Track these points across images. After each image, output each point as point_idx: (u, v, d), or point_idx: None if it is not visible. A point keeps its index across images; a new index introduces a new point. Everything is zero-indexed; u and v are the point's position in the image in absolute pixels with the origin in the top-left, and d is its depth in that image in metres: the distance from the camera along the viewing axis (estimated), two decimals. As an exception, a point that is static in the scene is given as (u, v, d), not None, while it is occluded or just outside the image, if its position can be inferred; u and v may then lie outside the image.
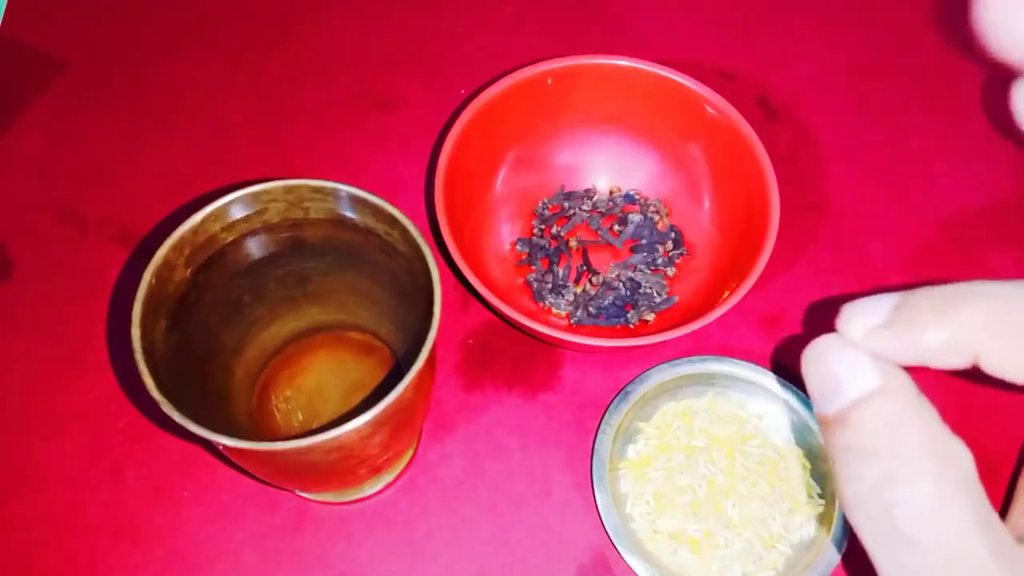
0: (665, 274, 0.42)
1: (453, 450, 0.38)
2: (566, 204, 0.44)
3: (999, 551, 0.17)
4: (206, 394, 0.32)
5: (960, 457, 0.18)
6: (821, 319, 0.42)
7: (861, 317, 0.20)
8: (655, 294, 0.42)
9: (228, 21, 0.51)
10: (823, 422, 0.20)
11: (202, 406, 0.30)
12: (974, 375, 0.19)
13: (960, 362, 0.19)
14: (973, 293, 0.19)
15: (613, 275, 0.42)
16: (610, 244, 0.44)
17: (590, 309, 0.41)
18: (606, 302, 0.41)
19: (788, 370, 0.39)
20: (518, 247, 0.43)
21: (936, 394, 0.20)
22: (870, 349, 0.20)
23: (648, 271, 0.42)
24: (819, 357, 0.20)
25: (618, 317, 0.41)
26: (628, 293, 0.42)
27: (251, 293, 0.34)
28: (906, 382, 0.19)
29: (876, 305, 0.20)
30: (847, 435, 0.19)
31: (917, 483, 0.18)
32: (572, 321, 0.41)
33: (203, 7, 0.51)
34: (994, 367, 0.19)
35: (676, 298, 0.42)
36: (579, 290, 0.42)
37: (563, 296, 0.42)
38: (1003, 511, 0.37)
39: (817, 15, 0.52)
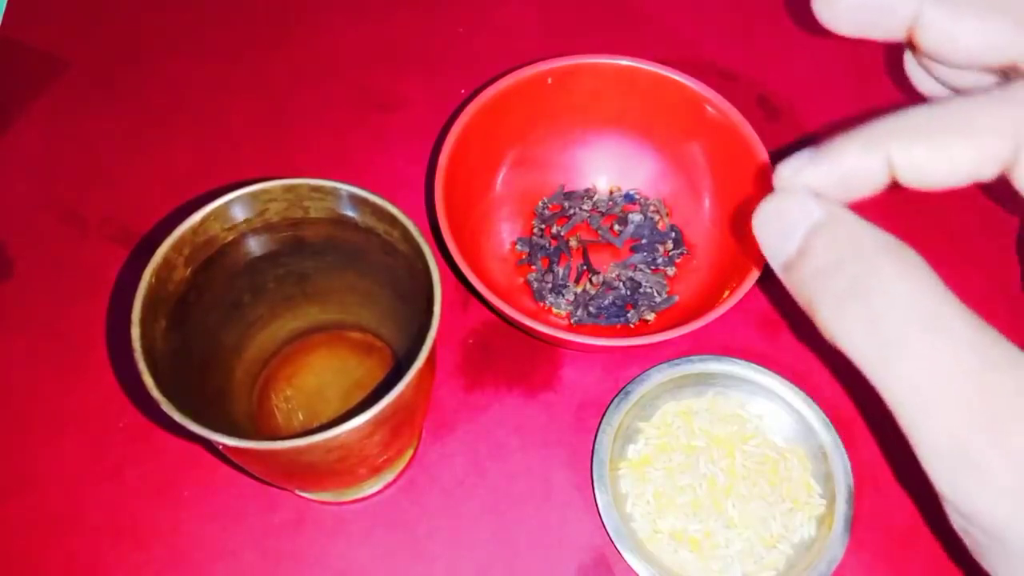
0: (665, 274, 0.42)
1: (453, 450, 0.38)
2: (566, 204, 0.44)
3: (972, 321, 0.20)
4: (206, 394, 0.32)
5: (913, 253, 0.21)
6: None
7: (788, 165, 0.23)
8: (655, 294, 0.42)
9: (228, 21, 0.51)
10: (786, 269, 0.22)
11: (202, 405, 0.30)
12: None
13: (877, 175, 0.23)
14: (881, 118, 0.23)
15: (613, 275, 0.42)
16: (610, 244, 0.44)
17: (590, 309, 0.41)
18: (606, 302, 0.41)
19: (788, 370, 0.39)
20: (518, 247, 0.43)
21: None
22: (799, 185, 0.23)
23: (648, 271, 0.42)
24: (766, 215, 0.23)
25: (618, 317, 0.41)
26: (628, 293, 0.42)
27: (251, 292, 0.34)
28: (847, 210, 0.22)
29: (800, 153, 0.23)
30: (811, 261, 0.21)
31: (885, 274, 0.20)
32: (572, 321, 0.41)
33: (203, 7, 0.51)
34: (907, 166, 0.22)
35: (676, 298, 0.42)
36: (579, 290, 0.42)
37: (563, 296, 0.42)
38: None
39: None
